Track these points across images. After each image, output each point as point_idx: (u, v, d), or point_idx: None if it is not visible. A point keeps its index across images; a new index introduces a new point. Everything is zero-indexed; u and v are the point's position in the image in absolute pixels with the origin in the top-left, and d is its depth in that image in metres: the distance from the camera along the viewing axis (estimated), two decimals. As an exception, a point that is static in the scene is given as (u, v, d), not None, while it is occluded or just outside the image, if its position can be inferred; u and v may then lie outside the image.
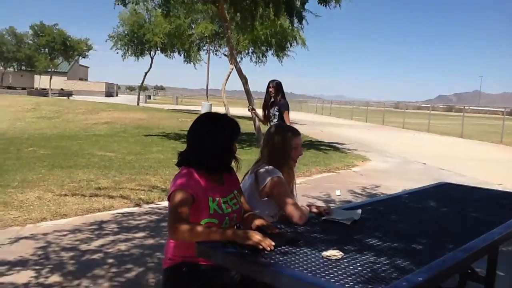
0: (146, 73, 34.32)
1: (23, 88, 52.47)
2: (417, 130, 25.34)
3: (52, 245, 4.25)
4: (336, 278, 1.61)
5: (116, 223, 5.04)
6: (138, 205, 5.81)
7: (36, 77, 61.91)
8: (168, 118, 21.41)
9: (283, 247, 1.92)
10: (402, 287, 1.57)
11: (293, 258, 1.80)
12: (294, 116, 35.63)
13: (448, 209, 2.85)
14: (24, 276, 3.53)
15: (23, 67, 56.21)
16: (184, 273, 2.13)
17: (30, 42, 51.57)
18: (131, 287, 3.43)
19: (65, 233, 4.62)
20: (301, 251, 1.89)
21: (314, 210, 2.53)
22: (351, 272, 1.68)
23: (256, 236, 1.88)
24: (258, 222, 2.17)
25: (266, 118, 6.47)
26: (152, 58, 32.16)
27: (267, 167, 2.58)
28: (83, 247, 4.24)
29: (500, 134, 20.00)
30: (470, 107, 48.80)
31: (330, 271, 1.68)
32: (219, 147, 2.22)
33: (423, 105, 67.50)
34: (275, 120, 6.26)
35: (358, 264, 1.77)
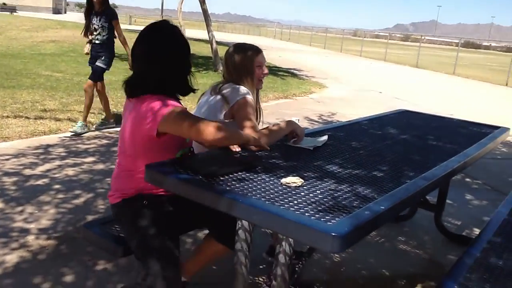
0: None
1: (-40, 2, 48.40)
2: (374, 59, 25.44)
3: (-7, 170, 3.99)
4: (295, 207, 1.51)
5: (64, 147, 4.78)
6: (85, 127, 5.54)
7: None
8: (120, 38, 20.37)
9: (240, 173, 1.79)
10: (364, 216, 1.49)
11: (250, 185, 1.68)
12: (252, 40, 35.09)
13: (408, 137, 2.80)
14: (-38, 201, 3.31)
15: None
16: (143, 204, 1.92)
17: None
18: (79, 213, 3.28)
19: (7, 157, 4.35)
20: (259, 178, 1.77)
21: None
22: (311, 200, 1.59)
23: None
24: None
25: (87, 32, 5.38)
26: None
27: (237, 86, 2.40)
28: (27, 171, 4.01)
29: (454, 65, 20.36)
30: (426, 37, 49.21)
31: (290, 199, 1.58)
32: (186, 65, 1.95)
33: (381, 33, 67.51)
34: (104, 33, 5.32)
35: (318, 192, 1.67)
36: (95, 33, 5.32)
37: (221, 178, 1.72)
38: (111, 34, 5.38)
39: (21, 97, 6.58)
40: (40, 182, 3.80)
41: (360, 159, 2.18)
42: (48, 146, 4.77)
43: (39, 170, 4.07)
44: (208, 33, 12.57)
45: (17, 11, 46.69)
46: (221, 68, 11.95)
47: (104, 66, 5.43)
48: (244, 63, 2.47)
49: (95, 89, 5.51)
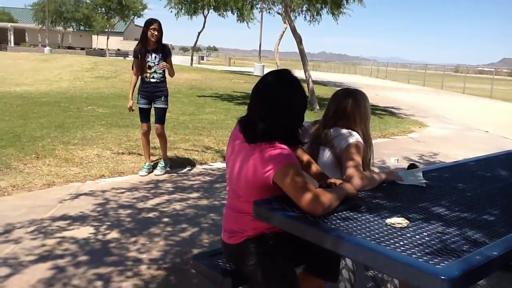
0: (199, 33, 34.32)
1: (82, 48, 54.04)
2: (478, 96, 24.15)
3: (111, 202, 4.38)
4: (402, 248, 1.52)
5: (171, 183, 5.12)
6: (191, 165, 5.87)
7: (94, 37, 63.52)
8: (220, 79, 21.45)
9: (344, 212, 1.84)
10: (475, 260, 1.46)
11: (355, 224, 1.71)
12: (348, 79, 34.73)
13: (520, 179, 2.66)
14: (84, 231, 3.66)
15: (81, 27, 57.74)
16: (269, 243, 2.01)
17: (88, 1, 52.79)
18: (186, 246, 3.48)
19: (122, 190, 4.75)
20: (363, 217, 1.80)
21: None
22: (418, 242, 1.58)
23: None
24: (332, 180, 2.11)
25: (140, 69, 5.20)
26: (205, 17, 32.07)
27: (347, 131, 2.42)
28: (140, 205, 4.34)
29: None
30: (538, 72, 45.77)
31: (395, 239, 1.59)
32: (302, 114, 2.01)
33: (485, 68, 64.05)
34: (160, 71, 5.20)
35: (425, 233, 1.66)
36: (148, 71, 5.19)
37: (326, 217, 1.78)
38: (165, 72, 5.32)
39: (134, 135, 7.16)
40: (151, 215, 4.09)
41: (468, 202, 2.12)
42: (158, 181, 5.14)
43: (150, 203, 4.39)
44: (305, 73, 12.82)
45: (129, 56, 51.12)
46: (317, 107, 12.08)
47: (166, 106, 5.41)
48: (365, 112, 2.56)
49: (154, 131, 5.44)
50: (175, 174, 5.46)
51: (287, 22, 15.65)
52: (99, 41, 61.66)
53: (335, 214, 1.80)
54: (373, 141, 9.05)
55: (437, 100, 20.34)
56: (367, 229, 1.68)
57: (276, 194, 1.90)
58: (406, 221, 1.75)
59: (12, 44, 57.68)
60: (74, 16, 53.69)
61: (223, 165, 6.07)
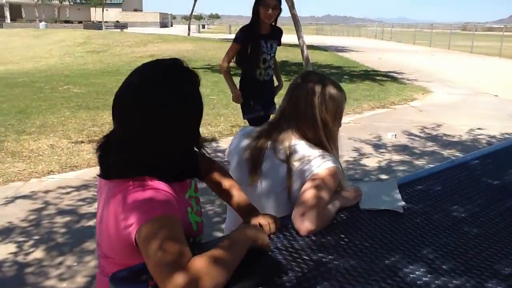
0: (195, 0, 33.11)
1: (80, 22, 52.95)
2: (487, 55, 23.04)
3: (50, 207, 3.73)
4: None
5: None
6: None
7: (92, 10, 62.22)
8: (216, 48, 20.49)
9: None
10: None
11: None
12: (351, 42, 33.62)
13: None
14: (3, 250, 3.02)
15: (77, 0, 56.49)
16: None
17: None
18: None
19: (69, 190, 4.09)
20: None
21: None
22: None
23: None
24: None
25: (247, 63, 3.82)
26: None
27: (320, 151, 1.60)
28: (83, 209, 3.69)
29: None
30: (550, 27, 44.04)
31: None
32: (193, 131, 1.26)
33: (494, 26, 61.96)
34: (272, 64, 3.89)
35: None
36: (262, 66, 3.81)
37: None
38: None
39: (102, 119, 6.45)
40: (91, 222, 3.42)
41: (470, 242, 1.40)
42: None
43: (95, 206, 3.72)
44: (299, 39, 11.92)
45: (127, 27, 49.92)
46: (312, 76, 11.27)
47: None
48: (336, 110, 1.66)
49: None
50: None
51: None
52: (97, 14, 60.35)
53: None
54: (370, 113, 8.25)
55: (444, 61, 19.32)
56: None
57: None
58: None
59: (9, 21, 56.70)
60: (70, -12, 52.42)
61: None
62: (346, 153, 5.27)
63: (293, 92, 1.69)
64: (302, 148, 1.61)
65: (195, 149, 1.29)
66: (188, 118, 1.22)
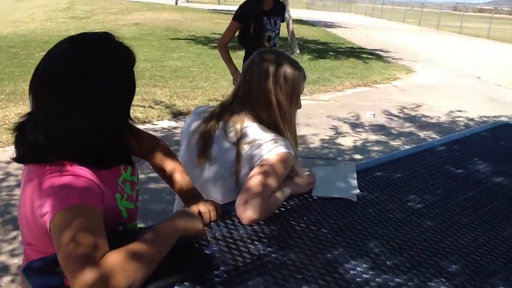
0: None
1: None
2: (475, 36, 22.98)
3: (10, 178, 3.63)
4: None
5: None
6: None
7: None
8: (201, 19, 20.10)
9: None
10: None
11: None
12: (341, 18, 33.29)
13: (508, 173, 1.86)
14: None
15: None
16: None
17: None
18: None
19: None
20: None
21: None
22: None
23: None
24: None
25: (248, 40, 3.55)
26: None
27: (272, 135, 1.50)
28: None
29: None
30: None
31: None
32: (123, 112, 1.15)
33: (485, 7, 61.68)
34: (278, 40, 3.72)
35: None
36: (267, 44, 3.58)
37: None
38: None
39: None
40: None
41: (420, 235, 1.33)
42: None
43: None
44: (285, 13, 11.70)
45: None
46: (297, 51, 11.08)
47: None
48: (291, 89, 1.55)
49: None
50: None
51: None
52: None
53: None
54: (351, 91, 8.15)
55: (431, 41, 19.22)
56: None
57: None
58: None
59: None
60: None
61: (171, 123, 5.26)
62: (322, 131, 5.20)
63: (247, 71, 1.59)
64: (253, 131, 1.51)
65: (123, 133, 1.18)
66: (111, 98, 1.10)
